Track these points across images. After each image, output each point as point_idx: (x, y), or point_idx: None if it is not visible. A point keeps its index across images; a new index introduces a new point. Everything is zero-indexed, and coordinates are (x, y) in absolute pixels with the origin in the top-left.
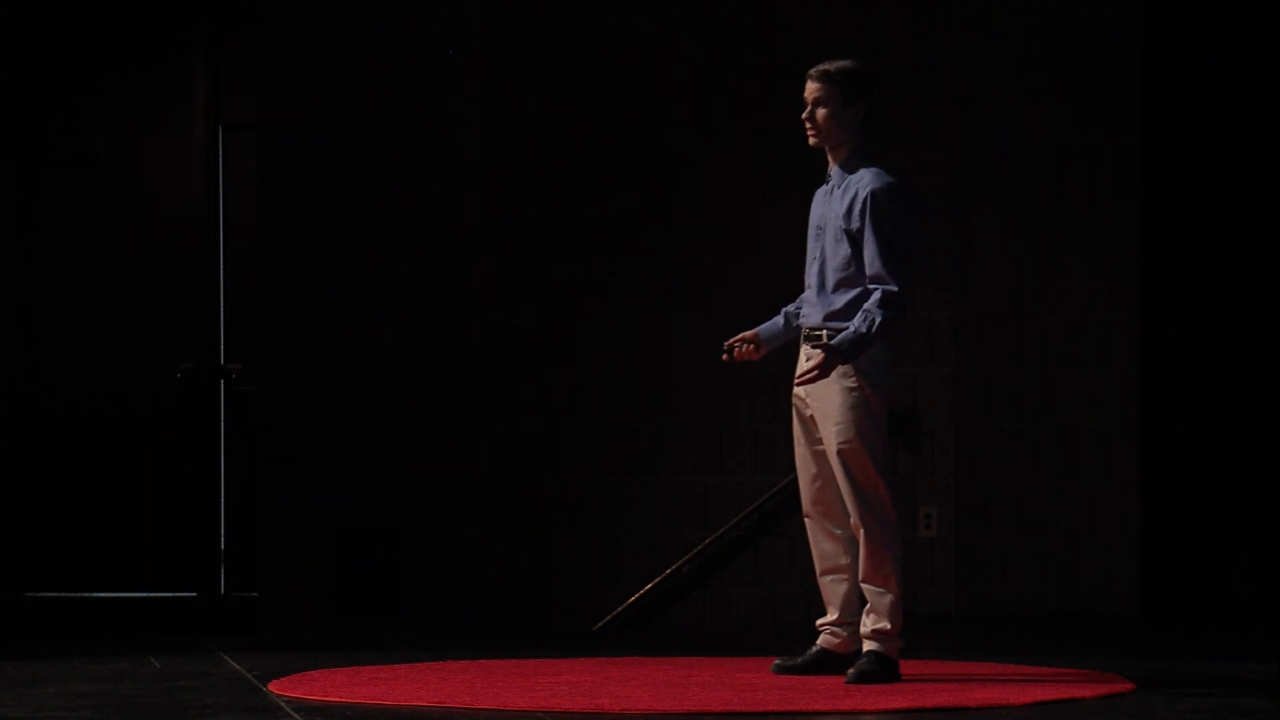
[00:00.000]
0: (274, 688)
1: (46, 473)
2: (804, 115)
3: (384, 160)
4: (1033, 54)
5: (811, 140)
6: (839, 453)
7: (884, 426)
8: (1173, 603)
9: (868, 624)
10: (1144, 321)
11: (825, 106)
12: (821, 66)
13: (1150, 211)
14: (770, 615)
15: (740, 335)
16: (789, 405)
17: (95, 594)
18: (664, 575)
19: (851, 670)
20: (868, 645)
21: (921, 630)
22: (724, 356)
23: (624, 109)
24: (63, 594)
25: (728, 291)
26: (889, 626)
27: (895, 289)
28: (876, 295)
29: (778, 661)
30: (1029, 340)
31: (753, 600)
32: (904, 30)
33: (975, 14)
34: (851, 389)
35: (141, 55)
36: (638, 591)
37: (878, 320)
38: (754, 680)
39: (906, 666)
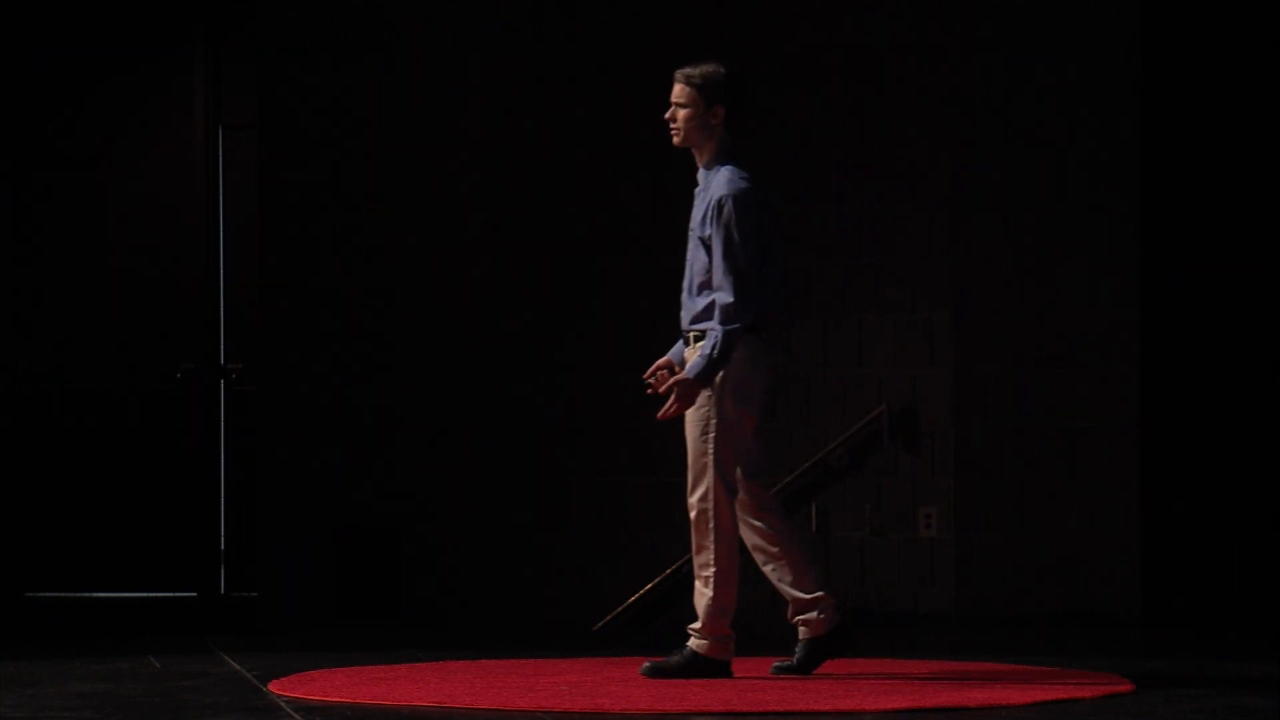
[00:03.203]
0: (274, 688)
1: (47, 473)
2: (666, 115)
3: (383, 160)
4: (1033, 54)
5: (674, 140)
6: (691, 443)
7: (741, 435)
8: (1173, 603)
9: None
10: (1144, 321)
11: (685, 109)
12: (685, 69)
13: (1150, 211)
14: (770, 615)
15: (656, 364)
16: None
17: (95, 594)
18: (664, 575)
19: (648, 663)
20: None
21: (921, 630)
22: (648, 390)
23: (624, 109)
24: (63, 594)
25: None
26: (698, 624)
27: (730, 299)
28: (717, 312)
29: (777, 662)
30: (1029, 340)
31: (753, 600)
32: (904, 30)
33: (975, 14)
34: (708, 394)
35: (141, 55)
36: (638, 591)
37: (719, 339)
38: (753, 680)
39: (906, 666)
